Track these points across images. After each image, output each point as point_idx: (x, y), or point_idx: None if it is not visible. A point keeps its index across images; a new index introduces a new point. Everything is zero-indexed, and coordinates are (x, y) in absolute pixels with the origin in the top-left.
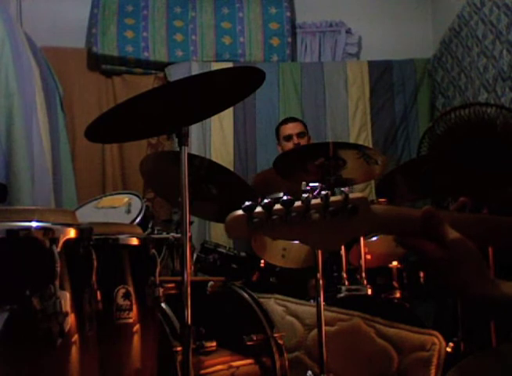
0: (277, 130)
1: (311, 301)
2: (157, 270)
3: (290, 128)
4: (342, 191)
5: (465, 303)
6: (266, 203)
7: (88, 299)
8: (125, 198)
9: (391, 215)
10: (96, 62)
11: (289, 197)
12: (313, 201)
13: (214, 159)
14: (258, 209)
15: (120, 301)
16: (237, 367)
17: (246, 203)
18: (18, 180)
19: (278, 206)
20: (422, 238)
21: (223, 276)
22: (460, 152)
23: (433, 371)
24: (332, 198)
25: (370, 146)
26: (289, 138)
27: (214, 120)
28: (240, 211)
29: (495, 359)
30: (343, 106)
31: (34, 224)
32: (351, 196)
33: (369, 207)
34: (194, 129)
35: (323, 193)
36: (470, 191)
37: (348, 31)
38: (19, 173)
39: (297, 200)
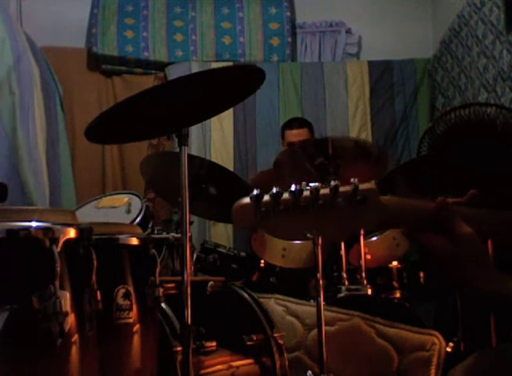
0: (283, 131)
1: (312, 301)
2: (157, 270)
3: (294, 136)
4: (352, 182)
5: (469, 299)
6: (274, 192)
7: (88, 299)
8: (125, 198)
9: (401, 207)
10: (96, 62)
11: (297, 187)
12: (322, 191)
13: (214, 159)
14: (266, 198)
15: (120, 301)
16: (237, 367)
17: (254, 192)
18: (21, 180)
19: (286, 196)
20: (431, 231)
21: (223, 276)
22: (460, 152)
23: (433, 371)
24: (341, 189)
25: None
26: (292, 145)
27: (214, 120)
28: (248, 200)
29: (498, 358)
30: (343, 106)
31: (34, 224)
32: (360, 187)
33: (379, 198)
34: (194, 129)
35: (333, 183)
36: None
37: (348, 31)
38: (22, 173)
39: (306, 190)
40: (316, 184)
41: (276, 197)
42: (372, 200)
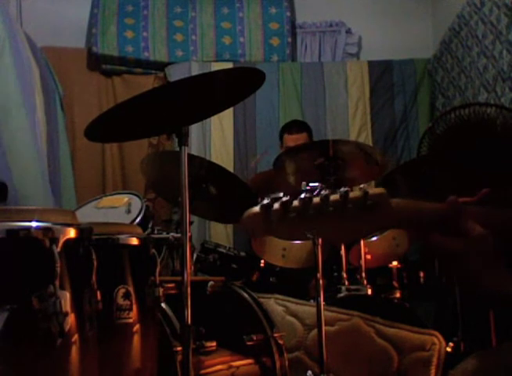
0: (281, 134)
1: (312, 301)
2: (157, 270)
3: (293, 141)
4: (361, 187)
5: (477, 299)
6: (284, 201)
7: (88, 299)
8: (125, 198)
9: (412, 209)
10: (96, 62)
11: (307, 195)
12: (332, 198)
13: (214, 159)
14: (276, 207)
15: (120, 301)
16: (237, 367)
17: (265, 201)
18: (27, 181)
19: (296, 203)
20: (441, 232)
21: (223, 276)
22: (460, 152)
23: (433, 371)
24: (351, 194)
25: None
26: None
27: (214, 120)
28: (257, 209)
29: (497, 358)
30: (343, 106)
31: (34, 224)
32: (370, 192)
33: (389, 202)
34: (194, 129)
35: (342, 189)
36: (471, 191)
37: (348, 31)
38: (27, 173)
39: (316, 197)
40: (317, 185)
41: (286, 206)
42: (382, 205)
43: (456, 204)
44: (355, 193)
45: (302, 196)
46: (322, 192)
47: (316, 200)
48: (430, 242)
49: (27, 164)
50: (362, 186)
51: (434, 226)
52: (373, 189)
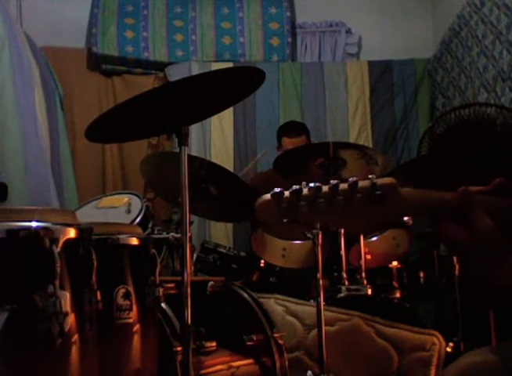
0: (279, 136)
1: (312, 301)
2: (157, 270)
3: (292, 144)
4: (370, 177)
5: (477, 298)
6: (294, 189)
7: (88, 299)
8: (125, 198)
9: (422, 199)
10: (96, 62)
11: (317, 184)
12: (341, 187)
13: (214, 159)
14: (286, 195)
15: (120, 301)
16: (237, 367)
17: (276, 189)
18: (14, 179)
19: (306, 191)
20: (452, 222)
21: (223, 276)
22: (460, 152)
23: (433, 371)
24: (360, 184)
25: (370, 146)
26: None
27: (214, 120)
28: (269, 196)
29: (493, 356)
30: (343, 106)
31: (34, 224)
32: (379, 182)
33: (399, 191)
34: (194, 129)
35: (351, 179)
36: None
37: (348, 31)
38: (15, 172)
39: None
40: (320, 182)
41: (296, 194)
42: (391, 194)
43: (467, 194)
44: (364, 182)
45: (311, 185)
46: (332, 181)
47: (325, 188)
48: (440, 232)
49: (14, 165)
50: (370, 176)
51: (444, 216)
52: (383, 179)
